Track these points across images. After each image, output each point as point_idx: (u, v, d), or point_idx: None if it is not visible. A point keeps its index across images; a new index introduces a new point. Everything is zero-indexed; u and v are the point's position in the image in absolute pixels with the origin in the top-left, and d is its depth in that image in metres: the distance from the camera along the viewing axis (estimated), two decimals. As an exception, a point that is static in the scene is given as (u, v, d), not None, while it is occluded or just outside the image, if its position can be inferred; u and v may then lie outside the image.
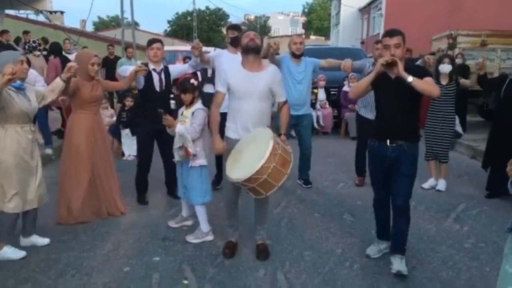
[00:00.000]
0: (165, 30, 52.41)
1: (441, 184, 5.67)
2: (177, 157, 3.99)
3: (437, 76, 5.60)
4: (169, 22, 54.94)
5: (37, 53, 8.00)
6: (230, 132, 3.67)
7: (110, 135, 7.40)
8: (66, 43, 9.72)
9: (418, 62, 5.57)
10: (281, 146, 3.23)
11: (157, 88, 4.79)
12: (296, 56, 5.35)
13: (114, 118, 7.59)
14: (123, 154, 7.31)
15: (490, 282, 3.32)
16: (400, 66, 3.22)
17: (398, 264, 3.40)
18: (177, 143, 3.93)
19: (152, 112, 4.61)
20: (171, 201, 4.98)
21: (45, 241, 3.85)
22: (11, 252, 3.59)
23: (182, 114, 4.08)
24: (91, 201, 4.42)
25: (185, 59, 11.52)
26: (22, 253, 3.62)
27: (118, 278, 3.35)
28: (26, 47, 8.02)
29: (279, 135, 3.52)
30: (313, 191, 5.60)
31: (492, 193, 5.31)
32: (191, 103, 4.02)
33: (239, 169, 3.27)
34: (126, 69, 4.92)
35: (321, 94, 9.84)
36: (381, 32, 25.22)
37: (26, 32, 11.34)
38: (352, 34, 31.03)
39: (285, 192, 5.41)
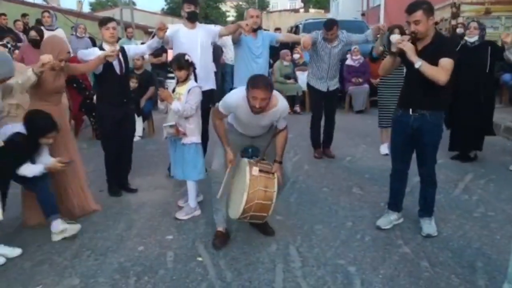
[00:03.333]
0: (162, 8, 51.75)
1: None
2: (165, 134, 4.04)
3: (388, 45, 5.73)
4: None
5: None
6: (235, 126, 3.64)
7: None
8: (46, 17, 7.86)
9: (369, 31, 5.63)
10: (259, 171, 3.33)
11: (117, 71, 4.35)
12: (253, 30, 5.10)
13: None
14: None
15: (501, 249, 3.36)
16: (410, 51, 3.25)
17: (427, 227, 3.61)
18: (169, 120, 3.96)
19: (115, 97, 4.38)
20: (179, 182, 4.99)
21: (17, 252, 3.44)
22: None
23: (174, 91, 4.04)
24: (60, 201, 3.94)
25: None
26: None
27: (133, 257, 3.39)
28: None
29: (275, 161, 3.47)
30: (320, 165, 5.62)
31: (456, 154, 5.62)
32: (185, 80, 4.01)
33: (233, 207, 3.46)
34: (88, 53, 4.39)
35: (324, 68, 9.75)
36: (382, 3, 24.85)
37: (24, 15, 11.21)
38: (352, 6, 30.51)
39: (293, 167, 5.43)
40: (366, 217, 4.01)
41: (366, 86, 9.10)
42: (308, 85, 5.99)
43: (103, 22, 4.41)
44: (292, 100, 9.43)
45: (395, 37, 5.76)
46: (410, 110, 3.46)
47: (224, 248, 3.49)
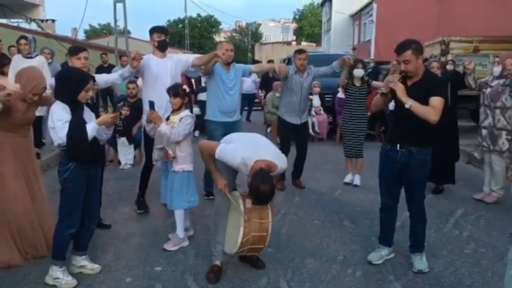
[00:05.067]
0: (157, 38, 52.35)
1: (357, 179, 6.20)
2: (156, 156, 4.06)
3: (351, 79, 6.13)
4: (160, 29, 54.86)
5: None
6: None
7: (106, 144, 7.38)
8: (22, 44, 6.74)
9: (335, 62, 5.79)
10: (251, 206, 3.30)
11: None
12: (226, 63, 5.15)
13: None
14: (119, 163, 7.27)
15: (492, 287, 3.34)
16: (400, 92, 3.32)
17: (418, 263, 3.59)
18: (157, 143, 3.98)
19: None
20: (170, 211, 4.93)
21: None
22: None
23: (168, 119, 4.05)
24: (22, 240, 3.66)
25: None
26: None
27: (120, 289, 3.32)
28: None
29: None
30: (312, 198, 5.61)
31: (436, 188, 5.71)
32: (179, 108, 4.03)
33: (229, 242, 3.46)
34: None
35: (316, 101, 9.87)
36: (373, 38, 25.42)
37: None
38: (343, 40, 31.19)
39: (284, 199, 5.42)
40: (357, 251, 3.99)
41: (357, 119, 9.18)
42: (280, 118, 6.07)
43: (74, 51, 4.06)
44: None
45: (358, 72, 6.01)
46: (398, 145, 3.49)
47: (216, 283, 3.42)
